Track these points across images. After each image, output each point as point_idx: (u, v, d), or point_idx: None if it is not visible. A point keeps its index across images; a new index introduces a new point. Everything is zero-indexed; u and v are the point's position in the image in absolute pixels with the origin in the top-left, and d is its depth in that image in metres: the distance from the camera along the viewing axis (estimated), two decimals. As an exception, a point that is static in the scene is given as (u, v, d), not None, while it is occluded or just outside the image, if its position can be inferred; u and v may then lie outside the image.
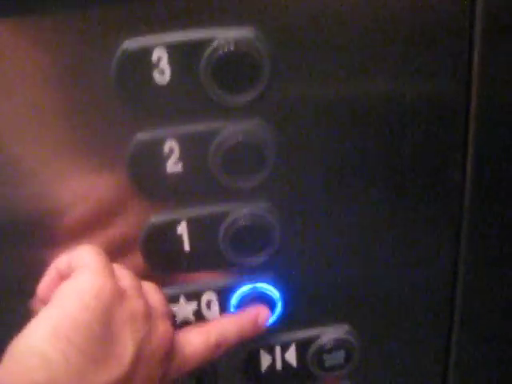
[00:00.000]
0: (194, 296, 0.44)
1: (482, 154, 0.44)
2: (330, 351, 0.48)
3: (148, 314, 0.38)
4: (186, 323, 0.45)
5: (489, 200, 0.46)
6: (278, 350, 0.48)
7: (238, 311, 0.45)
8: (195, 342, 0.42)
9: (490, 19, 0.39)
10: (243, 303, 0.45)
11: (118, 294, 0.37)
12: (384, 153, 0.43)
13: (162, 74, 0.37)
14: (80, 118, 0.38)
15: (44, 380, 0.32)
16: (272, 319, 0.47)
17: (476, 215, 0.46)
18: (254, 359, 0.48)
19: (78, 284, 0.37)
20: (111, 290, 0.37)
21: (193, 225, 0.42)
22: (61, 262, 0.40)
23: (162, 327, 0.39)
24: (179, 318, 0.45)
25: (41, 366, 0.32)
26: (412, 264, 0.48)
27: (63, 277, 0.39)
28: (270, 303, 0.46)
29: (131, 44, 0.36)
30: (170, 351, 0.40)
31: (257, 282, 0.45)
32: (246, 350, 0.48)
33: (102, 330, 0.35)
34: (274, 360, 0.48)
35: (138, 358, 0.36)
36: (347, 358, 0.49)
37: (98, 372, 0.34)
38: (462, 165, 0.44)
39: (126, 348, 0.36)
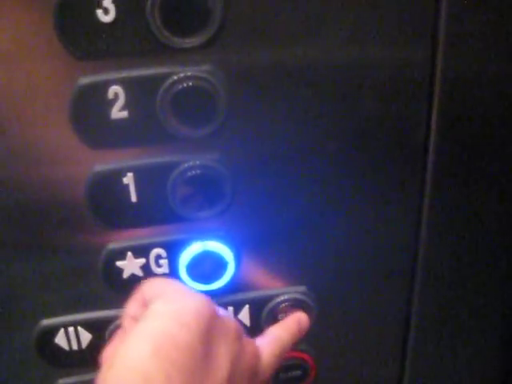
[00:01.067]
0: (143, 251, 0.43)
1: (446, 115, 0.43)
2: (285, 311, 0.47)
3: (239, 333, 0.39)
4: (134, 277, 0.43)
5: (452, 160, 0.45)
6: (230, 310, 0.47)
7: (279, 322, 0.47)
8: (267, 356, 0.42)
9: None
10: (194, 263, 0.44)
11: (214, 313, 0.37)
12: (343, 107, 0.42)
13: (107, 12, 0.35)
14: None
15: None
16: (224, 279, 0.45)
17: (439, 178, 0.45)
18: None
19: (175, 304, 0.36)
20: (208, 309, 0.36)
21: (140, 175, 0.40)
22: (142, 291, 0.39)
23: (249, 346, 0.40)
24: (127, 273, 0.43)
25: None
26: (373, 225, 0.47)
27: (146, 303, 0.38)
28: (221, 263, 0.44)
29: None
30: (257, 370, 0.40)
31: (208, 238, 0.43)
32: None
33: (201, 349, 0.34)
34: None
35: (233, 375, 0.36)
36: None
37: None
38: (426, 125, 0.43)
39: (222, 365, 0.36)
